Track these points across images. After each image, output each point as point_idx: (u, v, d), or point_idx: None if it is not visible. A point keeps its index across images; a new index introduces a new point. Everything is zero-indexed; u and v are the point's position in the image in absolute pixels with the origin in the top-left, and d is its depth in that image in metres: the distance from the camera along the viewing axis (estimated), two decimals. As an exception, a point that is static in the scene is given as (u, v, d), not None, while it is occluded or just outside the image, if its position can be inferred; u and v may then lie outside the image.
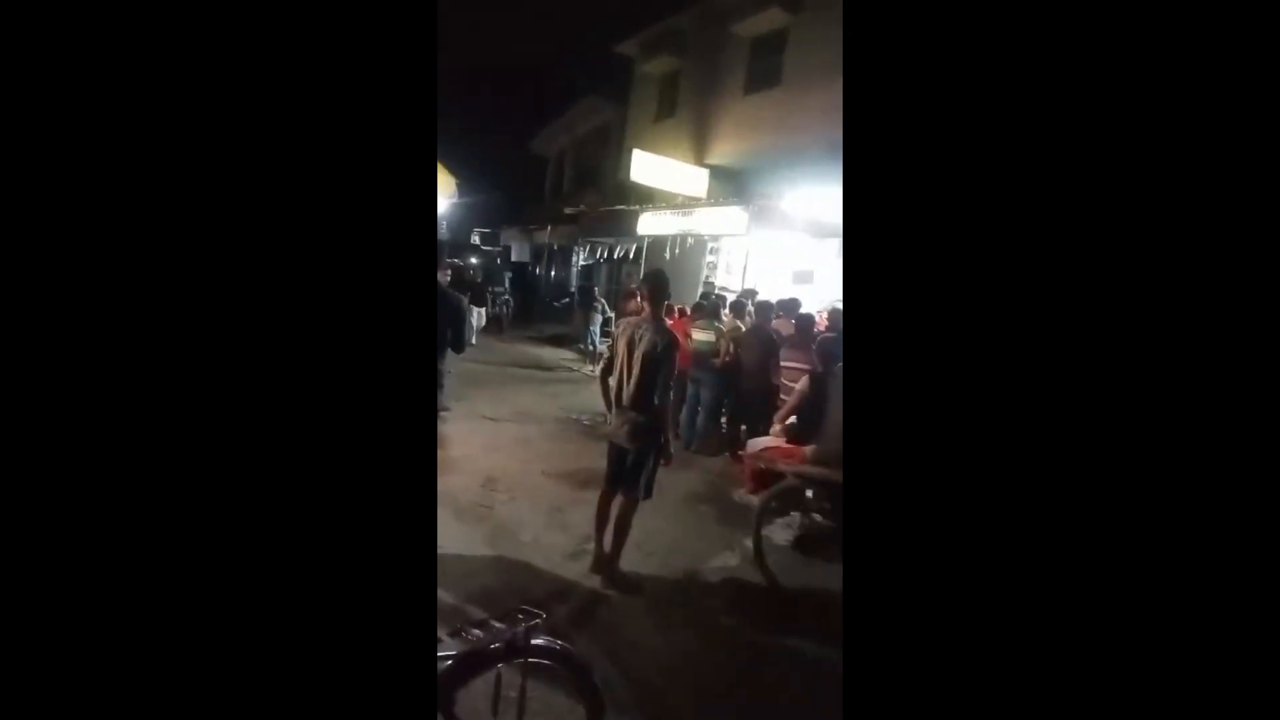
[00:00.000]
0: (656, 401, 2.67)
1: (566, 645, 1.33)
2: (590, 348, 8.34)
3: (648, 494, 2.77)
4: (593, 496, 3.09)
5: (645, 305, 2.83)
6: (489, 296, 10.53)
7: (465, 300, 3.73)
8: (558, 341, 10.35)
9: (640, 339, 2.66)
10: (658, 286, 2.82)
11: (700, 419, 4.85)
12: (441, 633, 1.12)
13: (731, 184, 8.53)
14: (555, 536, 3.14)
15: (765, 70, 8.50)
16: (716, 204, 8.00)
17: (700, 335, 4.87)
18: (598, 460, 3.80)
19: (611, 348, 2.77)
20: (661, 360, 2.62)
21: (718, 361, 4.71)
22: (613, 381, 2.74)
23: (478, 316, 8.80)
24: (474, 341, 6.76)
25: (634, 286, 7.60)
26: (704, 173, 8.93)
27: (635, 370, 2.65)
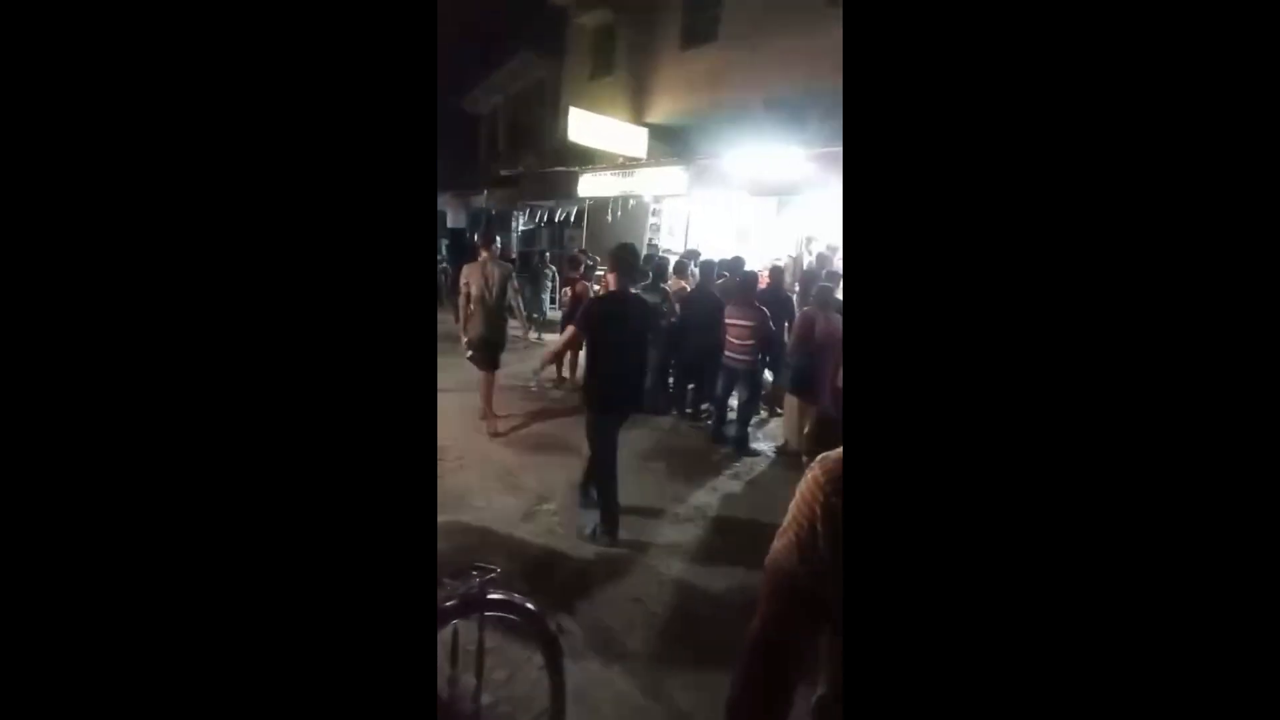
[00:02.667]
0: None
1: (521, 597, 1.35)
2: (539, 316, 8.19)
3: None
4: (544, 460, 3.10)
5: (611, 277, 2.80)
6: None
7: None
8: (501, 310, 10.09)
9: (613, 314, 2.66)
10: (623, 259, 2.78)
11: (648, 379, 4.90)
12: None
13: (671, 143, 8.43)
14: (506, 500, 3.14)
15: (701, 25, 8.34)
16: (657, 164, 7.91)
17: (646, 298, 4.87)
18: (546, 426, 3.76)
19: (583, 324, 2.73)
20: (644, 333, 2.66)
21: (664, 323, 4.75)
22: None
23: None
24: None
25: (579, 252, 7.50)
26: (643, 132, 8.78)
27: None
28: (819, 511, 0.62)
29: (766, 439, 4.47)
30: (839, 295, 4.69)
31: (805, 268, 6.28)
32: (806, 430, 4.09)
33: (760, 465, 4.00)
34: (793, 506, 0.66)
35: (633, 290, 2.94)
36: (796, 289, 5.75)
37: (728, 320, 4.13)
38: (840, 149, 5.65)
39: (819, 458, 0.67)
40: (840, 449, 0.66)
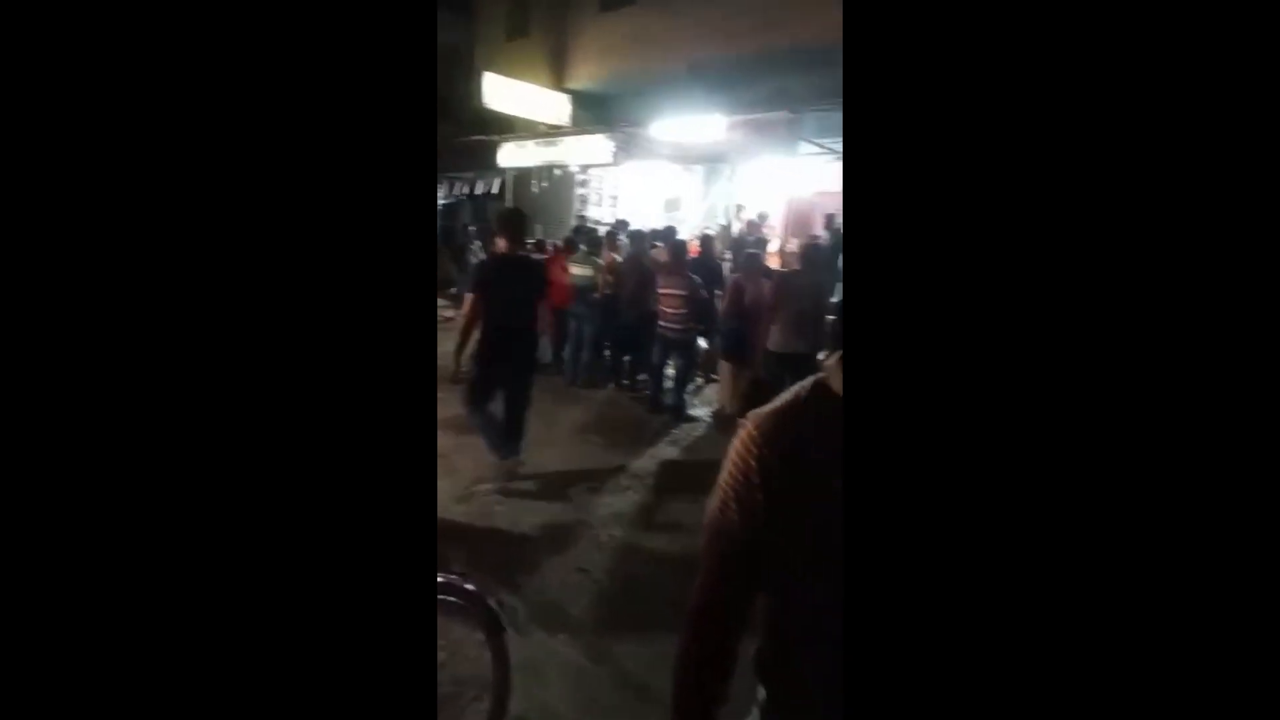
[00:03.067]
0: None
1: (460, 574, 1.30)
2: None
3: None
4: (475, 442, 3.03)
5: (500, 241, 2.87)
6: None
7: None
8: (425, 288, 9.63)
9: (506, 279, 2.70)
10: (509, 222, 2.88)
11: (584, 354, 4.85)
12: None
13: (595, 110, 8.21)
14: (441, 482, 3.04)
15: (620, -15, 8.11)
16: (581, 133, 7.70)
17: (578, 270, 4.79)
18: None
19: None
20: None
21: (597, 295, 4.68)
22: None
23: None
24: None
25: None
26: (564, 98, 8.48)
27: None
28: (754, 465, 0.62)
29: (703, 405, 4.55)
30: (766, 260, 4.79)
31: (735, 235, 6.36)
32: (740, 394, 4.20)
33: (698, 430, 4.08)
34: (726, 464, 0.66)
35: (520, 253, 3.06)
36: (728, 256, 5.83)
37: (660, 290, 4.13)
38: (758, 116, 5.71)
39: (749, 414, 0.67)
40: (771, 405, 0.66)
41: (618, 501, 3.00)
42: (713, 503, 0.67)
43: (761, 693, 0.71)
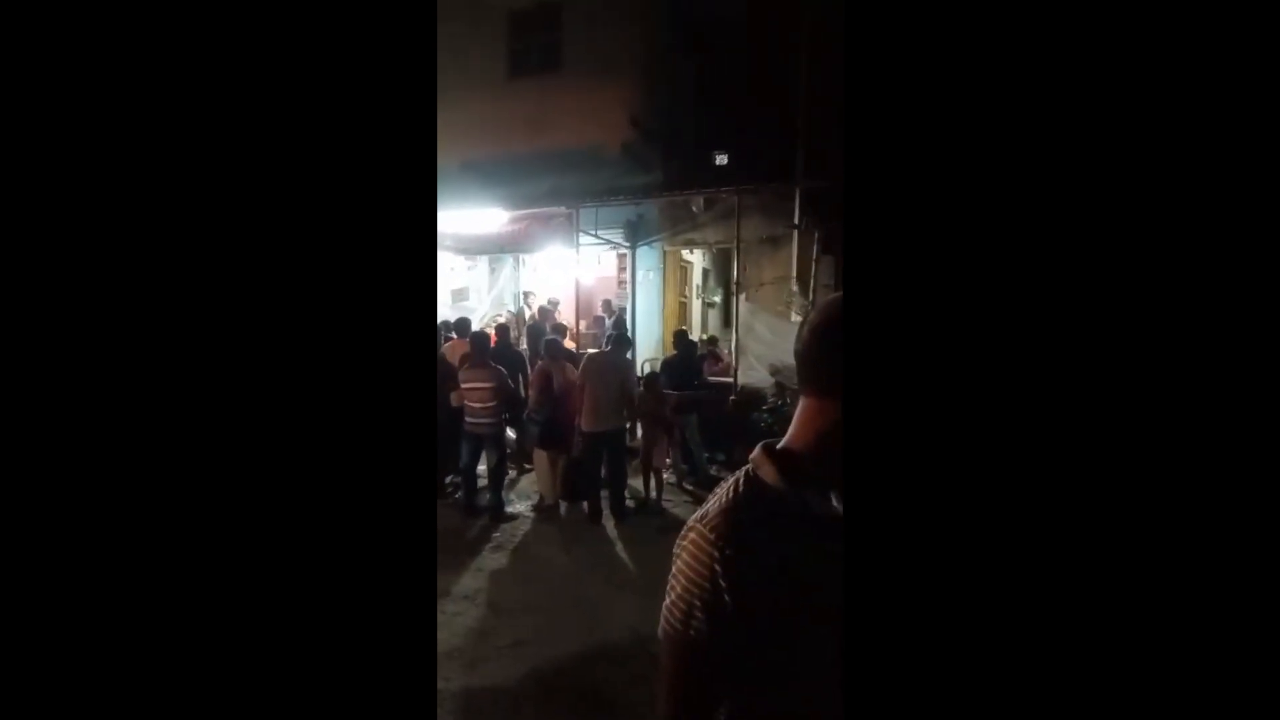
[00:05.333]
0: None
1: None
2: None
3: None
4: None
5: None
6: None
7: None
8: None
9: None
10: None
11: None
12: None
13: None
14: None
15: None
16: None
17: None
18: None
19: None
20: None
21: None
22: None
23: None
24: None
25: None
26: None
27: None
28: (718, 568, 0.61)
29: (519, 499, 4.33)
30: (568, 344, 4.92)
31: (529, 322, 6.43)
32: (560, 480, 4.12)
33: (522, 528, 3.84)
34: (681, 574, 0.63)
35: None
36: (523, 344, 5.83)
37: (465, 385, 3.91)
38: (538, 210, 6.05)
39: (695, 517, 0.66)
40: (712, 505, 0.66)
41: (448, 636, 2.61)
42: (673, 617, 0.63)
43: None
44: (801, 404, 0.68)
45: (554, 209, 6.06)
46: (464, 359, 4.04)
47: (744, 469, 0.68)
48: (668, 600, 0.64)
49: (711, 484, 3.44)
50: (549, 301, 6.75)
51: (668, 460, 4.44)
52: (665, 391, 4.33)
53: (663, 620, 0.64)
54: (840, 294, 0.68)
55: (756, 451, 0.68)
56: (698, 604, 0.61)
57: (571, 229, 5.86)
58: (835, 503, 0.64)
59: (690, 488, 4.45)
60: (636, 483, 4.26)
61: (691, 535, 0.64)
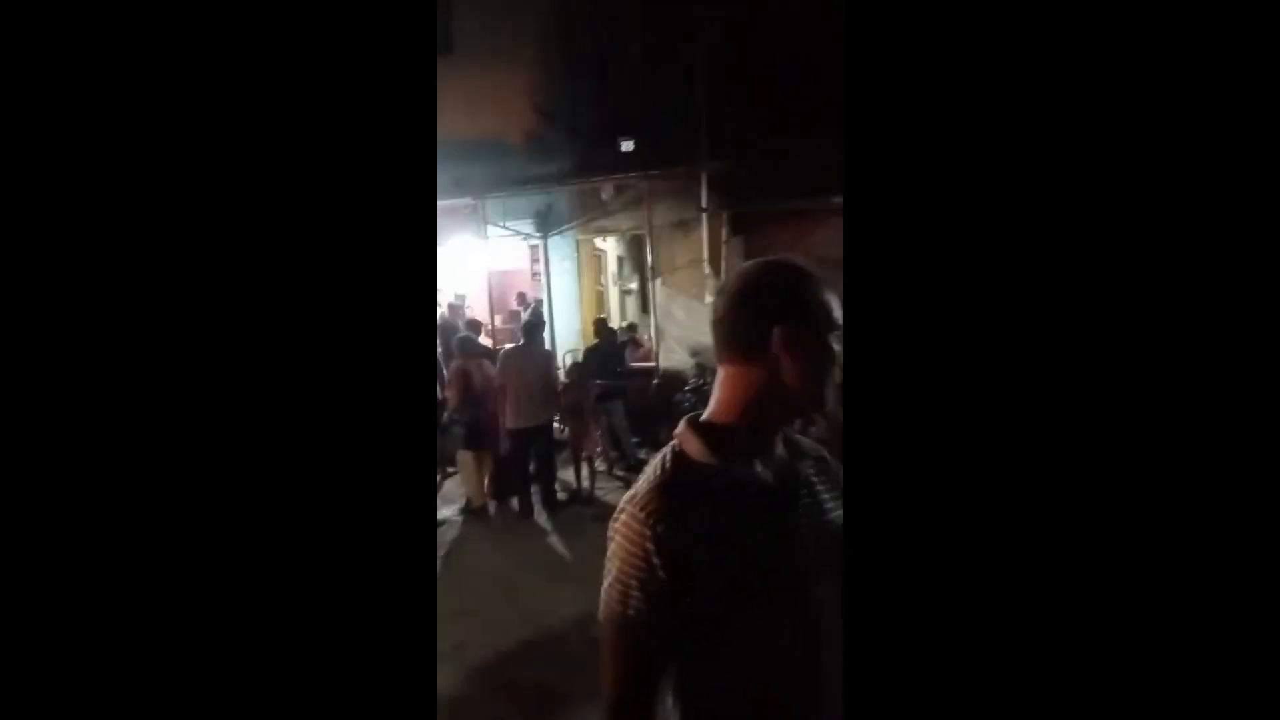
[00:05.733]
0: None
1: None
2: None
3: None
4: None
5: None
6: None
7: None
8: None
9: None
10: None
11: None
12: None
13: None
14: None
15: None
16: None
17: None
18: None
19: None
20: None
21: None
22: None
23: None
24: None
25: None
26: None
27: None
28: (651, 546, 0.61)
29: (446, 503, 4.18)
30: (483, 340, 4.76)
31: (440, 320, 6.15)
32: (487, 480, 4.01)
33: (451, 532, 3.72)
34: (616, 555, 0.64)
35: None
36: (437, 343, 5.59)
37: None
38: (442, 202, 5.79)
39: (625, 498, 0.67)
40: (642, 484, 0.67)
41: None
42: (610, 597, 0.63)
43: None
44: (721, 374, 0.68)
45: (458, 200, 5.81)
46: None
47: (670, 445, 0.69)
48: (605, 582, 0.65)
49: (642, 468, 3.49)
50: (455, 297, 6.49)
51: (597, 449, 4.44)
52: (590, 381, 4.32)
53: (602, 603, 0.64)
54: (753, 261, 0.70)
55: (681, 426, 0.69)
56: (634, 583, 0.62)
57: (479, 221, 5.65)
58: (760, 470, 0.67)
59: (621, 474, 4.49)
60: (566, 474, 4.24)
61: (624, 516, 0.64)
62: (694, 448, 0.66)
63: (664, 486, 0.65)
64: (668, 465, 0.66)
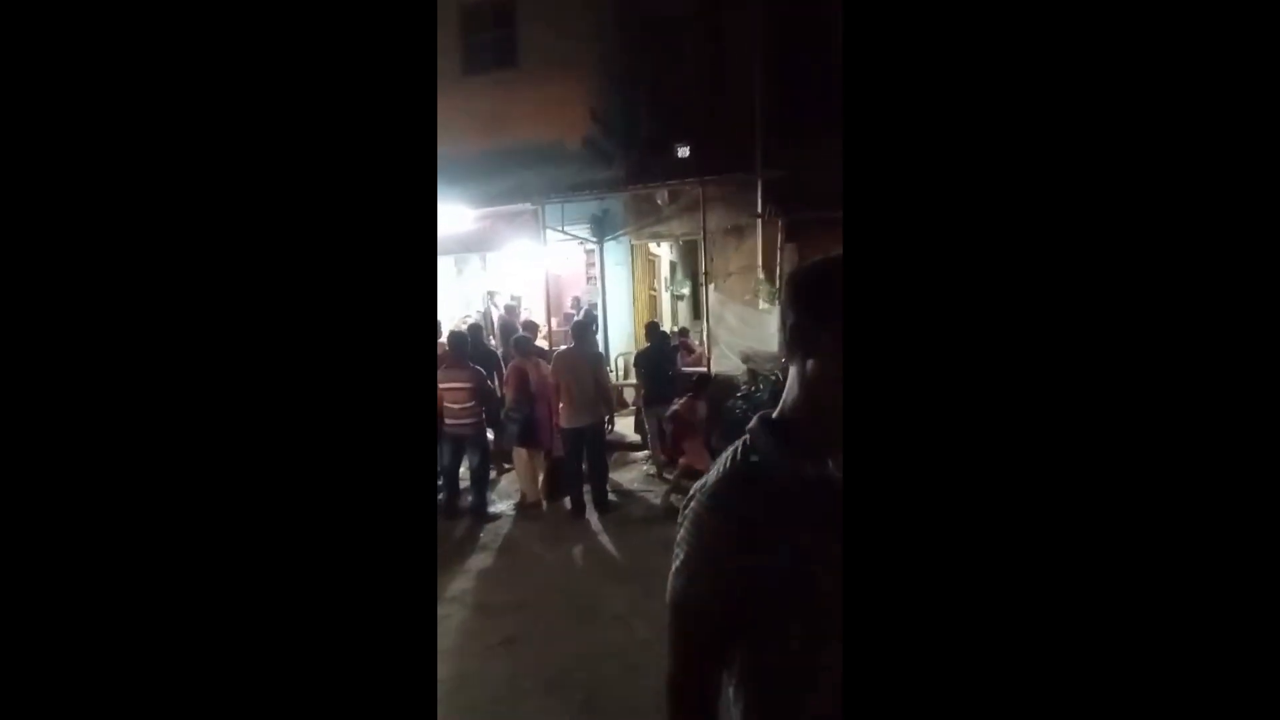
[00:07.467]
0: None
1: None
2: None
3: None
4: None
5: None
6: None
7: None
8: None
9: None
10: None
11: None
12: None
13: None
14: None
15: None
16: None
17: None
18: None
19: None
20: None
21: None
22: None
23: None
24: None
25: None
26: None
27: None
28: (715, 535, 0.63)
29: (501, 499, 4.34)
30: (540, 342, 4.91)
31: (498, 322, 6.39)
32: (542, 477, 4.14)
33: (504, 527, 3.86)
34: (684, 541, 0.66)
35: None
36: (494, 342, 5.80)
37: (443, 385, 3.89)
38: (502, 208, 5.99)
39: (696, 486, 0.68)
40: (714, 474, 0.68)
41: (440, 636, 2.63)
42: (678, 582, 0.66)
43: None
44: (791, 373, 0.70)
45: (518, 206, 6.02)
46: (440, 359, 4.01)
47: (741, 439, 0.70)
48: (673, 566, 0.67)
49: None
50: (511, 298, 6.68)
51: (646, 452, 4.50)
52: (701, 400, 4.35)
53: (669, 587, 0.67)
54: (818, 258, 0.68)
55: (754, 422, 0.71)
56: (699, 570, 0.65)
57: (537, 225, 5.83)
58: (831, 469, 0.67)
59: (670, 477, 4.53)
60: (618, 475, 4.31)
61: (693, 504, 0.67)
62: (764, 443, 0.68)
63: (732, 478, 0.67)
64: (738, 458, 0.68)
